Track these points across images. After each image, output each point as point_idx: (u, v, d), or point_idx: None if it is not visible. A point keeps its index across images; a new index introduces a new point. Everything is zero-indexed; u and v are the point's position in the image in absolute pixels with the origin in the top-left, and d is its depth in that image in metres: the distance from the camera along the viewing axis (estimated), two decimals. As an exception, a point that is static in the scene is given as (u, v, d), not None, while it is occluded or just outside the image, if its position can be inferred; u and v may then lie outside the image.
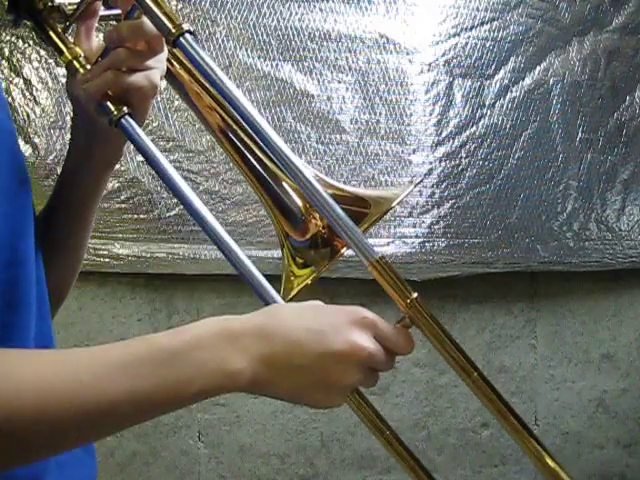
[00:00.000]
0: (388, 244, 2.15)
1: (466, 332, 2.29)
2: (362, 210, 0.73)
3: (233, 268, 0.73)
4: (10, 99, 1.96)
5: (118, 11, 0.79)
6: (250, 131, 0.71)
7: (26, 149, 1.96)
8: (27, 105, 1.97)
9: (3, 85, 1.97)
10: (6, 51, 1.96)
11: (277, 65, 2.10)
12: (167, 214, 2.03)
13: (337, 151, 2.13)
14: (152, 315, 2.11)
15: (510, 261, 2.26)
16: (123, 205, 2.02)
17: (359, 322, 0.67)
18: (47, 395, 0.57)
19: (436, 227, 2.20)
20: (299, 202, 0.74)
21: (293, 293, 0.75)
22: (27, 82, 1.97)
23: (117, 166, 2.12)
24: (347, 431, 2.22)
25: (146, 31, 0.74)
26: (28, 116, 1.97)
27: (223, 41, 2.06)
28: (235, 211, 2.06)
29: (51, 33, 0.81)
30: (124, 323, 2.09)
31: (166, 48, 0.77)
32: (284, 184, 0.74)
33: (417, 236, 2.18)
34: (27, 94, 1.97)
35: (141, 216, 2.03)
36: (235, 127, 0.74)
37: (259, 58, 2.09)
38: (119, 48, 0.75)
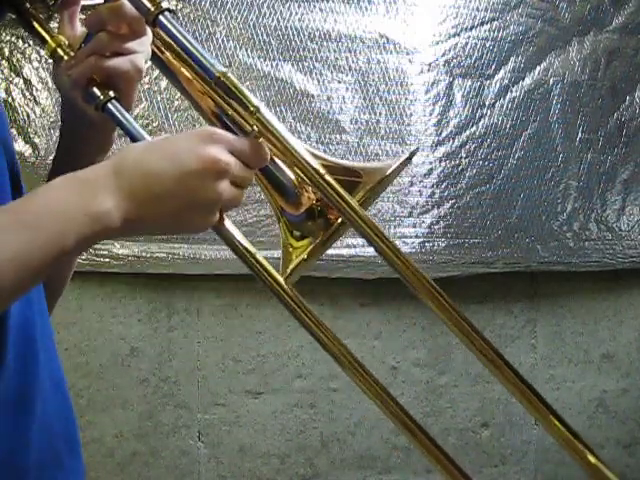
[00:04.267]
0: (388, 244, 2.15)
1: (466, 332, 2.29)
2: (355, 180, 0.73)
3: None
4: (10, 99, 1.96)
5: (101, 0, 0.79)
6: (235, 104, 0.71)
7: (26, 149, 1.96)
8: (27, 105, 1.97)
9: (3, 85, 1.97)
10: (6, 51, 1.96)
11: (277, 65, 2.10)
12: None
13: (337, 151, 2.13)
14: (152, 315, 2.11)
15: (510, 261, 2.26)
16: (123, 205, 2.02)
17: (209, 138, 0.67)
18: None
19: (436, 227, 2.20)
20: (292, 176, 0.75)
21: (293, 264, 0.73)
22: (27, 82, 1.97)
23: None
24: (347, 431, 2.22)
25: (126, 13, 0.74)
26: (28, 116, 1.97)
27: (223, 41, 2.06)
28: (235, 211, 2.05)
29: (34, 23, 0.81)
30: (124, 323, 2.09)
31: (150, 32, 0.77)
32: (276, 160, 0.74)
33: (417, 236, 2.18)
34: (27, 94, 1.97)
35: (141, 216, 2.03)
36: (226, 108, 0.74)
37: (259, 58, 2.09)
38: (101, 32, 0.75)
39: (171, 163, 0.65)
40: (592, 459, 0.68)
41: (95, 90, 0.76)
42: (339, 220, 0.72)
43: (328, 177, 0.69)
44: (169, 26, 0.72)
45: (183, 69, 0.78)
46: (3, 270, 0.60)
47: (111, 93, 0.76)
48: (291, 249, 0.74)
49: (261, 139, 0.71)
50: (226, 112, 0.72)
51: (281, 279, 0.73)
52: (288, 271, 0.73)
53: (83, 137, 0.82)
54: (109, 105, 0.76)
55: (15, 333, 0.73)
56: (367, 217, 0.69)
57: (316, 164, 0.69)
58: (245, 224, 2.06)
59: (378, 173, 0.74)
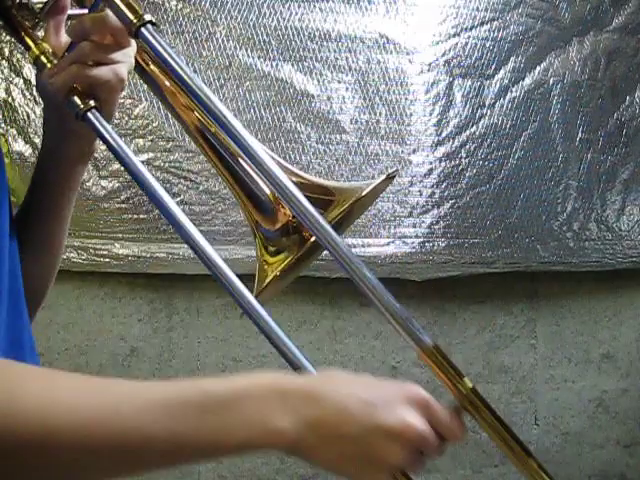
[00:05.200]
0: (388, 244, 2.15)
1: (466, 332, 2.29)
2: (328, 198, 0.72)
3: (203, 265, 0.73)
4: (10, 99, 1.96)
5: (87, 11, 0.79)
6: (212, 121, 0.70)
7: (26, 149, 1.96)
8: (27, 105, 1.97)
9: (3, 85, 1.97)
10: (6, 51, 1.96)
11: (277, 65, 2.10)
12: (167, 214, 2.03)
13: (337, 151, 2.13)
14: (152, 315, 2.11)
15: (510, 261, 2.26)
16: (123, 205, 2.02)
17: (413, 400, 0.65)
18: (84, 423, 0.55)
19: (436, 227, 2.20)
20: (268, 192, 0.74)
21: (267, 281, 0.73)
22: (27, 82, 1.96)
23: (117, 166, 2.11)
24: (347, 431, 2.22)
25: (109, 23, 0.74)
26: (28, 116, 1.97)
27: (223, 41, 2.06)
28: (235, 211, 2.06)
29: (20, 30, 0.82)
30: (124, 323, 2.09)
31: (134, 43, 0.77)
32: (254, 175, 0.74)
33: (417, 236, 2.18)
34: (27, 94, 1.97)
35: (141, 216, 2.03)
36: (208, 123, 0.74)
37: (259, 58, 2.09)
38: (84, 41, 0.75)
39: (368, 409, 0.62)
40: None
41: (76, 99, 0.76)
42: (313, 238, 0.71)
43: (298, 194, 0.67)
44: (150, 38, 0.71)
45: (167, 82, 0.78)
46: (169, 441, 0.57)
47: (92, 102, 0.76)
48: (266, 266, 0.74)
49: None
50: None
51: (251, 297, 0.73)
52: (261, 288, 0.73)
53: (64, 143, 0.82)
54: (89, 114, 0.76)
55: (4, 339, 0.73)
56: (335, 236, 0.67)
57: (286, 180, 0.68)
58: (245, 224, 2.06)
59: (353, 193, 0.73)
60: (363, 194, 0.72)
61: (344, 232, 0.67)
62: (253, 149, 0.68)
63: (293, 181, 0.68)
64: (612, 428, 2.43)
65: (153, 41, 0.71)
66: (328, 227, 0.66)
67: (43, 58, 0.80)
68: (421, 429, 0.64)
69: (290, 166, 0.72)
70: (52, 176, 0.85)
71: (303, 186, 0.69)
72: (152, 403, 0.58)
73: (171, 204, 0.74)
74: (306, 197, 0.67)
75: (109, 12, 0.73)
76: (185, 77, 0.70)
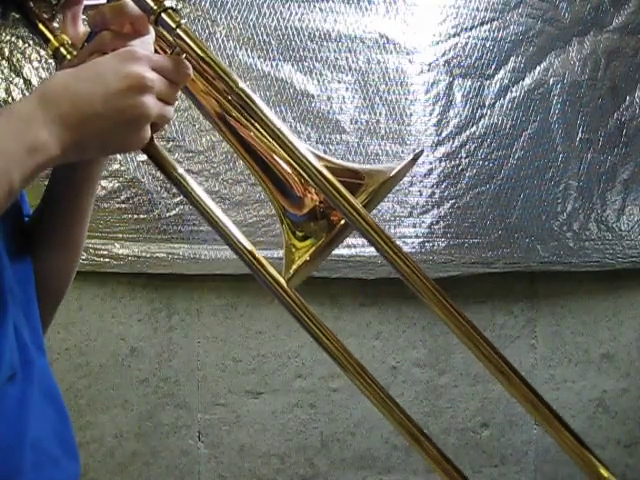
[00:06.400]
0: (388, 244, 2.15)
1: (466, 332, 2.29)
2: (357, 181, 0.73)
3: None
4: (10, 99, 1.96)
5: (104, 0, 0.79)
6: (240, 105, 0.71)
7: (26, 149, 1.96)
8: (27, 105, 1.97)
9: (3, 85, 1.97)
10: (6, 51, 1.96)
11: (277, 65, 2.10)
12: (167, 214, 2.03)
13: (337, 151, 2.13)
14: (152, 315, 2.11)
15: (510, 261, 2.25)
16: (123, 205, 2.02)
17: (131, 57, 0.69)
18: None
19: (436, 227, 2.20)
20: (295, 177, 0.74)
21: (296, 265, 0.72)
22: (27, 82, 1.96)
23: (117, 166, 2.11)
24: (347, 431, 2.22)
25: (129, 11, 0.74)
26: (28, 116, 1.97)
27: (223, 41, 2.06)
28: (235, 211, 2.06)
29: (37, 22, 0.82)
30: (124, 323, 2.09)
31: (153, 31, 0.77)
32: (280, 161, 0.74)
33: (417, 236, 2.18)
34: (27, 94, 1.97)
35: (141, 216, 2.03)
36: (230, 108, 0.74)
37: (259, 58, 2.09)
38: (103, 31, 0.75)
39: (96, 84, 0.67)
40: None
41: None
42: (342, 221, 0.71)
43: (331, 178, 0.68)
44: (172, 24, 0.71)
45: None
46: None
47: None
48: (294, 250, 0.73)
49: (184, 55, 0.72)
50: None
51: (283, 281, 0.72)
52: (291, 272, 0.72)
53: None
54: None
55: (11, 339, 0.73)
56: (370, 218, 0.68)
57: (319, 165, 0.69)
58: (245, 224, 2.06)
59: (381, 175, 0.73)
60: (392, 175, 0.73)
61: (370, 213, 0.68)
62: (283, 132, 0.70)
63: (323, 165, 0.69)
64: (612, 428, 2.43)
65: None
66: (362, 209, 0.67)
67: (62, 50, 0.80)
68: (147, 75, 0.68)
69: (317, 151, 0.72)
70: (71, 174, 0.85)
71: (333, 170, 0.70)
72: None
73: (204, 196, 0.75)
74: (339, 182, 0.68)
75: (128, 0, 0.74)
76: (210, 60, 0.71)
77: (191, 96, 0.78)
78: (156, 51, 0.78)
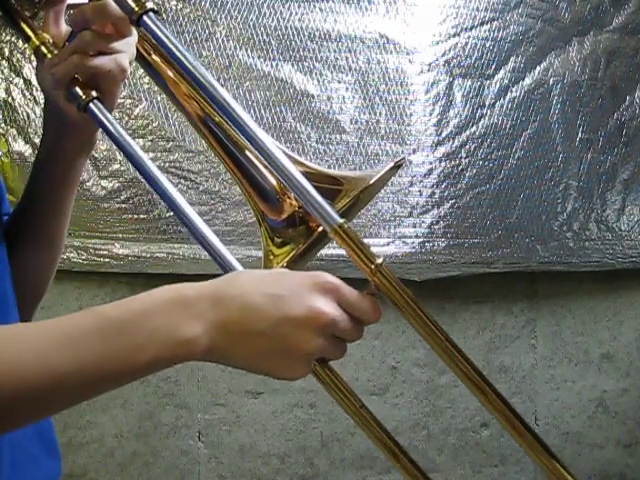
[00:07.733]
0: (388, 244, 2.15)
1: (466, 332, 2.29)
2: (335, 187, 0.71)
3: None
4: (10, 99, 1.96)
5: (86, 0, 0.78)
6: (217, 110, 0.69)
7: (26, 149, 1.96)
8: (27, 105, 1.97)
9: (3, 85, 1.97)
10: (6, 51, 1.96)
11: (277, 65, 2.10)
12: (167, 214, 2.03)
13: (337, 151, 2.13)
14: (152, 315, 2.11)
15: (510, 261, 2.26)
16: (123, 205, 2.02)
17: (320, 286, 0.63)
18: None
19: (436, 227, 2.20)
20: (274, 182, 0.74)
21: None
22: (27, 82, 1.97)
23: (117, 166, 2.11)
24: (347, 431, 2.22)
25: (110, 12, 0.73)
26: (28, 116, 1.97)
27: (223, 41, 2.06)
28: (235, 211, 2.06)
29: (19, 20, 0.81)
30: (124, 323, 2.09)
31: (135, 32, 0.76)
32: (259, 165, 0.73)
33: (417, 236, 2.18)
34: (27, 94, 1.97)
35: (141, 216, 2.03)
36: (212, 112, 0.73)
37: (259, 58, 2.09)
38: (84, 31, 0.74)
39: (274, 303, 0.62)
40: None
41: (77, 90, 0.75)
42: (320, 228, 0.70)
43: (307, 184, 0.66)
44: (153, 27, 0.70)
45: (169, 71, 0.77)
46: (80, 373, 0.57)
47: (93, 93, 0.75)
48: (272, 257, 0.72)
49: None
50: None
51: None
52: None
53: (65, 136, 0.81)
54: (91, 105, 0.75)
55: None
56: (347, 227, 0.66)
57: (294, 170, 0.67)
58: (245, 224, 2.06)
59: (361, 182, 0.71)
60: (371, 182, 0.71)
61: (350, 221, 0.66)
62: (259, 138, 0.67)
63: (300, 171, 0.67)
64: (612, 428, 2.43)
65: (156, 30, 0.69)
66: (336, 215, 0.65)
67: (43, 48, 0.79)
68: (331, 313, 0.62)
69: (296, 156, 0.71)
70: (52, 170, 0.84)
71: (310, 175, 0.68)
72: (54, 340, 0.58)
73: (176, 195, 0.74)
74: (314, 187, 0.66)
75: (110, 1, 0.72)
76: (189, 65, 0.69)
77: (174, 100, 0.78)
78: (139, 52, 0.77)
